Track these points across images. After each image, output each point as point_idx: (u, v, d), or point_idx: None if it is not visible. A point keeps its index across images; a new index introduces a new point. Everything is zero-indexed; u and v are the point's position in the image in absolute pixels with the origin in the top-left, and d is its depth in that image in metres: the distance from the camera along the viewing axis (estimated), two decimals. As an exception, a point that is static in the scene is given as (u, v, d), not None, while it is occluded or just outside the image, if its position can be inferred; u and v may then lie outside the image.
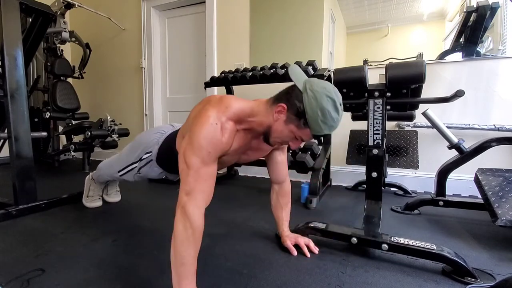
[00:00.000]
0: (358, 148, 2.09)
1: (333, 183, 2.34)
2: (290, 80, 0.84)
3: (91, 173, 1.67)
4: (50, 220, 1.46)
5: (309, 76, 1.83)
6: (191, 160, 0.75)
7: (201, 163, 0.75)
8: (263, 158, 1.13)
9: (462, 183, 1.93)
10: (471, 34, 1.97)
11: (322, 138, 1.98)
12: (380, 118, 1.30)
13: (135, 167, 1.26)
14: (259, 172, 2.60)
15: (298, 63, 2.00)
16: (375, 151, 1.30)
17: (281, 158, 1.14)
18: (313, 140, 0.79)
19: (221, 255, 1.07)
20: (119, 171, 1.34)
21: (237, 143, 0.87)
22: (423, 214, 1.56)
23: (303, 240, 1.10)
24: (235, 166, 2.57)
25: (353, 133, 2.14)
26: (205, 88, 2.46)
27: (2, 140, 2.06)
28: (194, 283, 0.73)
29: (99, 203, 1.69)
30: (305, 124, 0.79)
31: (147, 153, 1.21)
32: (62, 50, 2.95)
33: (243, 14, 2.68)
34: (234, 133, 0.84)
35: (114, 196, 1.79)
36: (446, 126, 1.51)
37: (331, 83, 0.83)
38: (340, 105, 0.80)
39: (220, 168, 0.91)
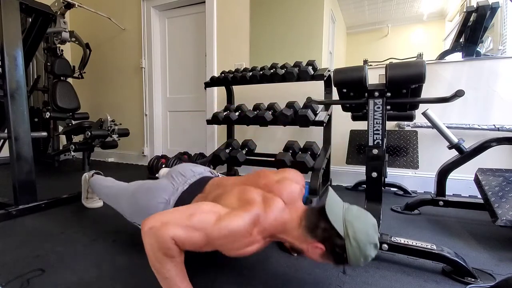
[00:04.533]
0: (358, 148, 2.09)
1: (333, 183, 2.34)
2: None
3: (86, 173, 1.61)
4: (50, 220, 1.46)
5: (309, 76, 1.83)
6: (206, 217, 0.71)
7: (210, 228, 0.70)
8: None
9: (462, 183, 1.93)
10: (471, 34, 1.97)
11: None
12: (380, 118, 1.29)
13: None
14: (259, 172, 2.59)
15: (298, 63, 2.00)
16: (375, 151, 1.30)
17: None
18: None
19: (221, 255, 1.07)
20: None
21: (253, 250, 0.79)
22: (423, 214, 1.56)
23: (303, 240, 1.10)
24: (235, 166, 2.57)
25: (353, 133, 2.14)
26: (205, 88, 2.46)
27: (2, 140, 2.06)
28: (189, 285, 0.73)
29: (99, 203, 1.66)
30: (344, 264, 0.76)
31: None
32: (62, 50, 2.95)
33: (243, 14, 2.68)
34: (255, 244, 0.77)
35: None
36: (446, 126, 1.51)
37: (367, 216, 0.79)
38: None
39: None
